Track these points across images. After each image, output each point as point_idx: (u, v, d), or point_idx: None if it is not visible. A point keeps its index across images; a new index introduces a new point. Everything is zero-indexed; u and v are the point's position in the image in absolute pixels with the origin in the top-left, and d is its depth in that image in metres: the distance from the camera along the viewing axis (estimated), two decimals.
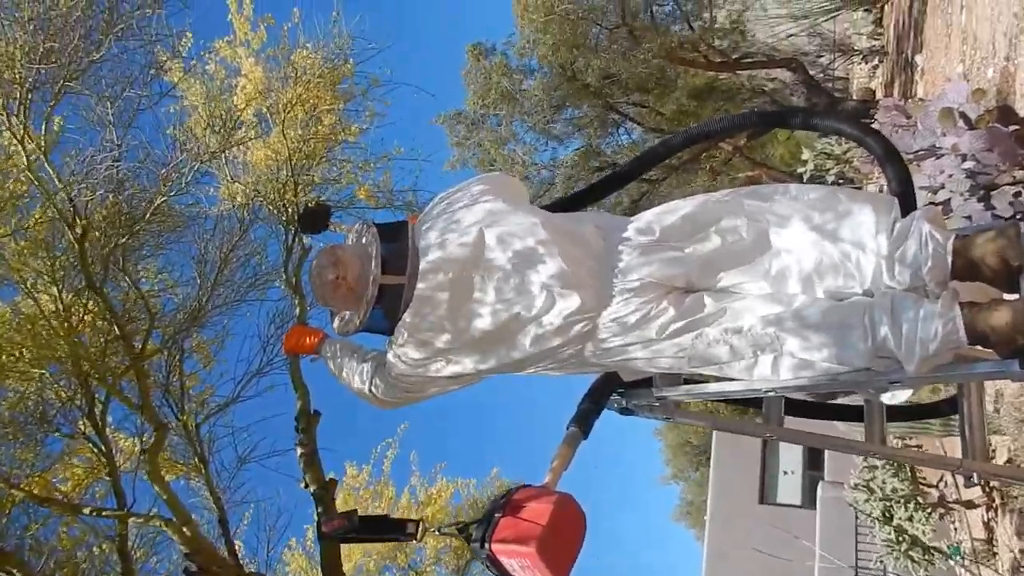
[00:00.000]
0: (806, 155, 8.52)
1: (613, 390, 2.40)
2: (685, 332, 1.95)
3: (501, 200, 2.21)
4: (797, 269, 1.93)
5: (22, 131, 5.26)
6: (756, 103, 13.70)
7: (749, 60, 13.42)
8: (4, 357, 5.48)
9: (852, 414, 2.38)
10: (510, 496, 1.93)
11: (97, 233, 5.72)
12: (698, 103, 13.25)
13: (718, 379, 2.09)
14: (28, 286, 5.75)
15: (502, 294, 2.04)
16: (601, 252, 2.10)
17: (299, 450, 4.40)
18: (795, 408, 2.40)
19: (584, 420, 2.27)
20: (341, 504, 5.75)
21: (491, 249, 2.08)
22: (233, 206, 6.37)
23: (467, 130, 13.67)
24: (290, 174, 5.77)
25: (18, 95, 5.30)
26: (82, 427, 6.14)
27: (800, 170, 8.74)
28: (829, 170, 8.37)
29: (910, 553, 5.86)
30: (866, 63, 13.60)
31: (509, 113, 13.14)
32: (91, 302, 5.87)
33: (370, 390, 2.38)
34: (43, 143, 5.37)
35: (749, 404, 2.63)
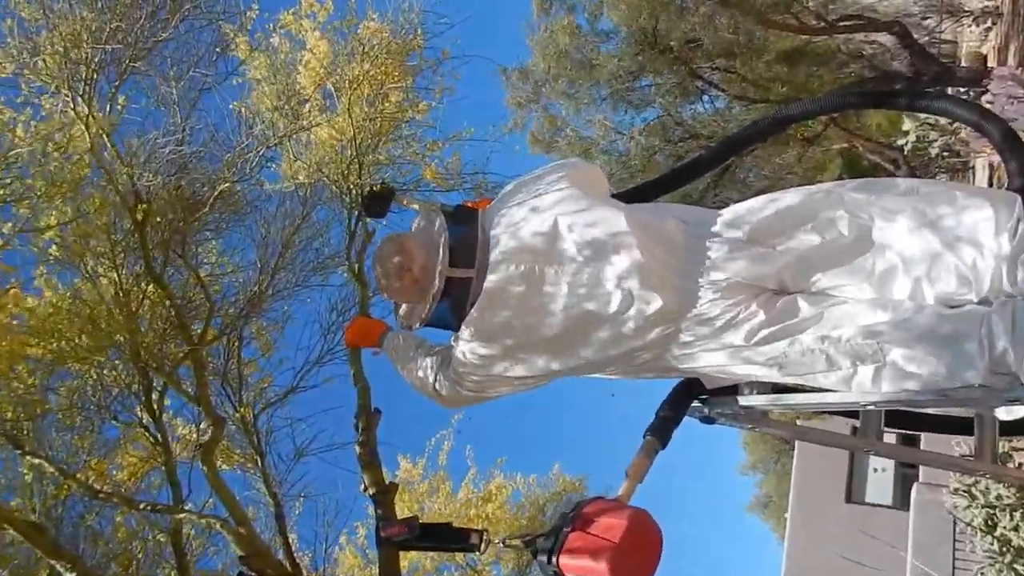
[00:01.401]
0: (907, 125, 8.23)
1: (694, 397, 2.36)
2: (776, 339, 1.89)
3: (579, 189, 2.18)
4: (904, 271, 1.85)
5: (87, 112, 5.39)
6: (853, 69, 13.21)
7: (846, 23, 12.93)
8: (63, 343, 5.64)
9: (954, 426, 2.31)
10: (580, 509, 1.90)
11: (158, 218, 5.86)
12: (789, 68, 12.81)
13: (810, 388, 2.03)
14: (88, 271, 5.92)
15: (576, 290, 2.01)
16: (685, 248, 2.06)
17: (358, 450, 4.43)
18: (890, 417, 2.33)
19: (663, 430, 2.24)
20: (397, 500, 5.80)
21: (565, 240, 2.06)
22: (295, 186, 6.46)
23: (533, 91, 13.45)
24: (354, 154, 5.80)
25: (83, 75, 5.44)
26: (139, 415, 6.33)
27: (900, 141, 8.44)
28: (933, 142, 8.06)
29: (1015, 566, 5.64)
30: (977, 25, 13.05)
31: (579, 76, 12.92)
32: (150, 288, 6.03)
33: (434, 388, 2.39)
34: (107, 125, 5.50)
35: (842, 412, 2.57)
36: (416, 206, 2.68)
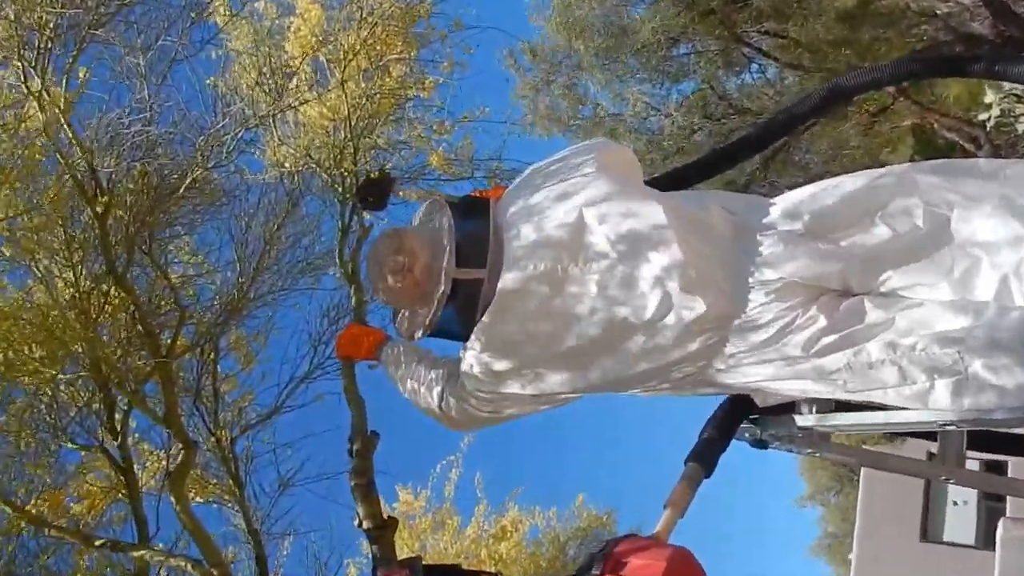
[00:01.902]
0: (989, 97, 8.16)
1: (743, 417, 2.36)
2: (840, 348, 1.89)
3: (610, 173, 2.19)
4: (989, 269, 1.84)
5: (40, 86, 5.40)
6: (924, 31, 13.08)
7: None
8: (12, 353, 5.66)
9: None
10: (610, 549, 1.90)
11: (122, 211, 5.88)
12: (850, 31, 12.68)
13: (878, 406, 2.02)
14: (41, 270, 5.95)
15: (605, 293, 2.02)
16: (732, 243, 2.06)
17: (352, 480, 4.42)
18: (973, 439, 2.32)
19: (707, 455, 2.24)
20: (397, 538, 5.79)
21: (594, 233, 2.06)
22: (281, 175, 6.46)
23: (548, 70, 13.36)
24: (349, 136, 5.80)
25: (37, 43, 5.44)
26: (100, 437, 6.34)
27: (982, 116, 8.36)
28: (1020, 116, 7.98)
29: None
30: None
31: (605, 45, 12.84)
32: (112, 291, 6.04)
33: (439, 407, 2.40)
34: (63, 102, 5.50)
35: (916, 434, 2.57)
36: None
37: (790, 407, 2.26)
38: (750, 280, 1.98)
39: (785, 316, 1.93)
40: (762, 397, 2.20)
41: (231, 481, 6.88)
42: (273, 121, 5.95)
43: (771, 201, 2.12)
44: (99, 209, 5.64)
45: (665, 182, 2.46)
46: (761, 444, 2.44)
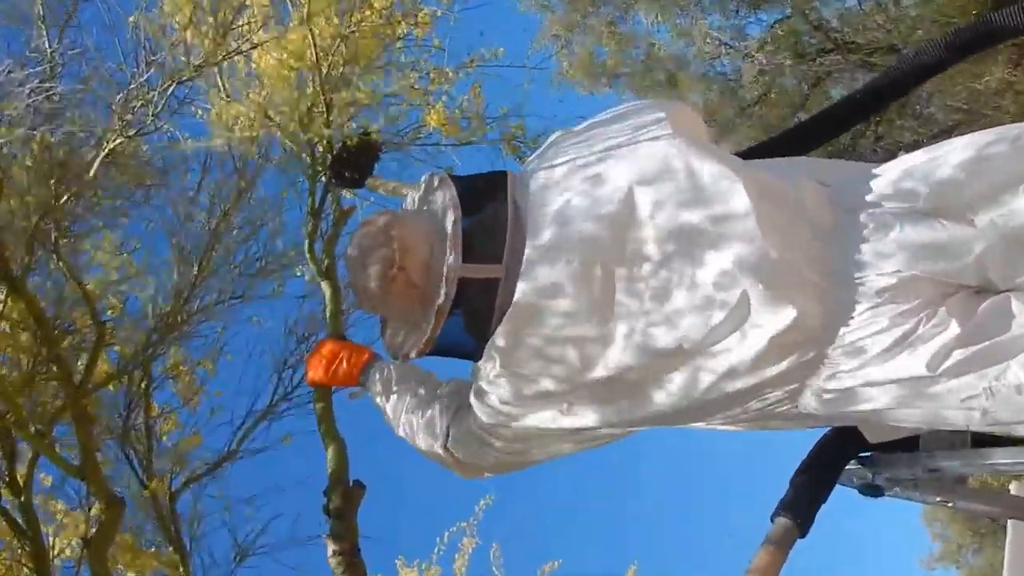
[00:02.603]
0: None
1: (850, 455, 2.36)
2: (978, 366, 1.87)
3: (681, 139, 2.17)
4: None
5: None
6: None
7: None
8: None
9: None
10: None
11: (17, 198, 5.88)
12: None
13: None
14: None
15: (660, 300, 2.01)
16: (829, 226, 2.05)
17: (331, 547, 4.41)
18: None
19: (801, 507, 2.24)
20: None
21: (646, 222, 2.05)
22: (229, 143, 6.45)
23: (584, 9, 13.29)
24: (320, 89, 5.80)
25: None
26: None
27: None
28: None
29: None
30: None
31: None
32: (8, 302, 6.05)
33: (445, 448, 2.41)
34: None
35: None
36: (400, 188, 2.67)
37: (912, 442, 2.25)
38: (855, 276, 1.96)
39: (904, 323, 1.91)
40: (874, 430, 2.20)
41: (172, 549, 6.93)
42: (220, 72, 5.92)
43: (877, 169, 2.11)
44: None
45: (768, 149, 2.46)
46: (874, 491, 2.44)
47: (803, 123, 2.71)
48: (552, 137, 2.36)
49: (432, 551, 10.56)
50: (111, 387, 6.73)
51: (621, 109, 2.32)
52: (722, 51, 13.12)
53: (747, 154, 2.52)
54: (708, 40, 12.98)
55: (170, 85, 5.69)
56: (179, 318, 6.75)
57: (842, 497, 2.41)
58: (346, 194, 5.72)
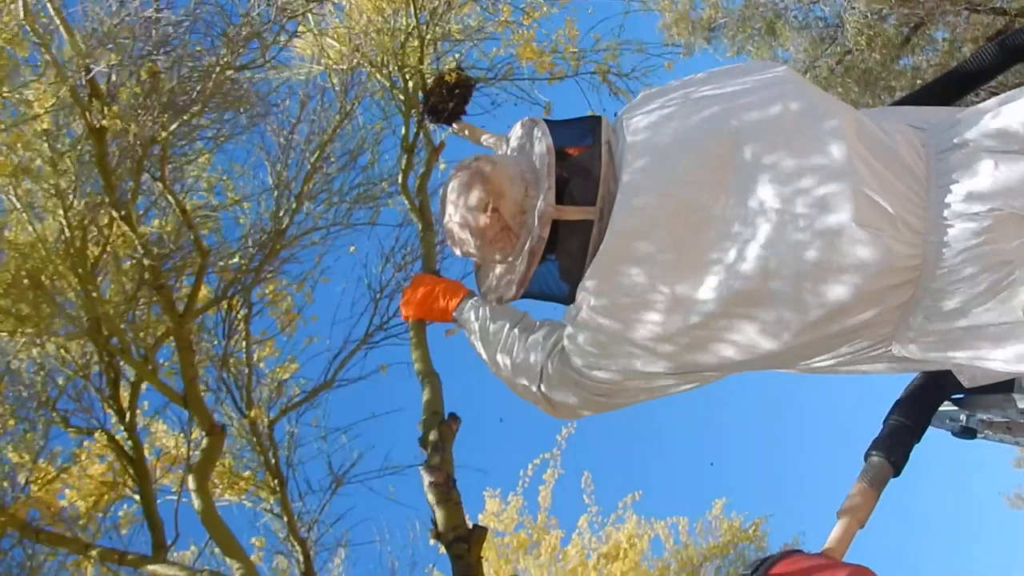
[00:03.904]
0: None
1: (943, 397, 2.38)
2: None
3: (774, 82, 2.18)
4: None
5: None
6: None
7: None
8: None
9: None
10: (767, 569, 1.95)
11: (125, 123, 5.92)
12: None
13: None
14: (21, 201, 6.05)
15: (755, 239, 2.03)
16: (923, 169, 2.06)
17: (426, 478, 4.47)
18: None
19: (895, 445, 2.27)
20: (483, 557, 5.82)
21: (744, 161, 2.07)
22: (327, 76, 6.48)
23: None
24: (414, 24, 5.80)
25: None
26: (101, 417, 6.60)
27: None
28: None
29: None
30: None
31: None
32: (114, 228, 6.17)
33: (539, 389, 2.46)
34: None
35: None
36: (487, 138, 2.68)
37: (1007, 385, 2.26)
38: (947, 216, 1.97)
39: (1000, 266, 1.92)
40: (969, 374, 2.20)
41: (269, 475, 7.06)
42: (315, 4, 5.93)
43: (965, 113, 2.11)
44: (97, 121, 5.68)
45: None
46: (968, 433, 2.46)
47: (934, 82, 2.68)
48: (644, 91, 2.37)
49: (517, 482, 10.58)
50: (212, 312, 6.83)
51: (718, 69, 2.34)
52: None
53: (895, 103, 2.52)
54: None
55: (283, 20, 5.71)
56: (277, 244, 6.79)
57: (930, 433, 2.42)
58: (438, 129, 5.71)
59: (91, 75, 5.63)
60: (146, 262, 6.08)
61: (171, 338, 6.29)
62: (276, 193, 6.91)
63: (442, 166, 5.83)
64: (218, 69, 5.82)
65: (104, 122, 5.54)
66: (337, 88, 6.66)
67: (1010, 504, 30.03)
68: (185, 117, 6.03)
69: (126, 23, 5.68)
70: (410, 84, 5.84)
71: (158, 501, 6.46)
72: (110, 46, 5.56)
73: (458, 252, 2.44)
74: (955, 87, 2.54)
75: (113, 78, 5.81)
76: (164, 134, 5.88)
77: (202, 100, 5.90)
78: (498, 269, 2.40)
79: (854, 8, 12.45)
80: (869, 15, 12.32)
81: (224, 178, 7.11)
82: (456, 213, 2.31)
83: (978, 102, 2.17)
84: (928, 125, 2.15)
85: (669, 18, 13.18)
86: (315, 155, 6.83)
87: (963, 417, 2.45)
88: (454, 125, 3.55)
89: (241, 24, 5.81)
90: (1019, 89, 2.07)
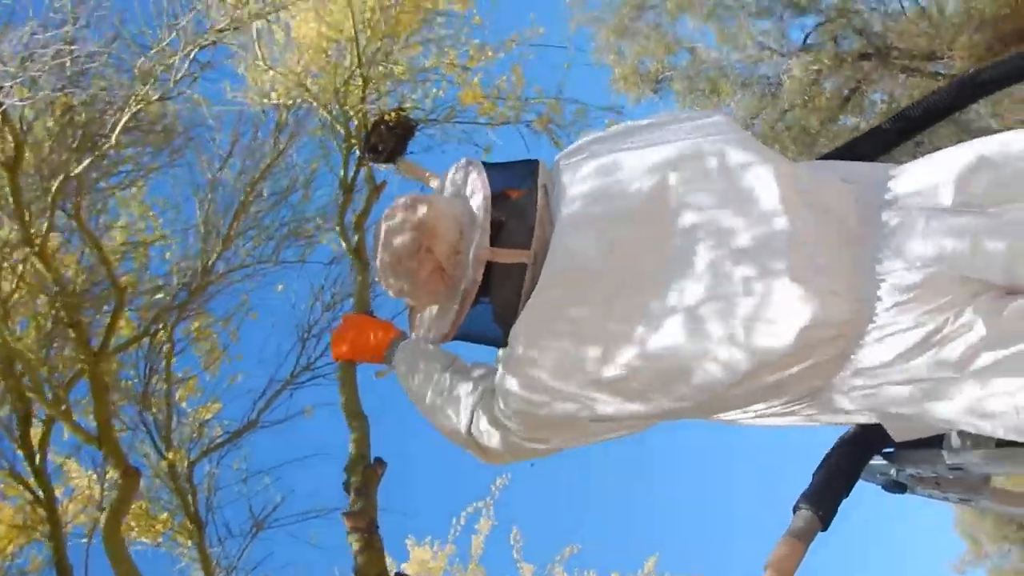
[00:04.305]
0: None
1: (874, 451, 2.38)
2: (1008, 370, 1.88)
3: (712, 134, 2.19)
4: None
5: None
6: None
7: None
8: None
9: None
10: None
11: (40, 156, 5.84)
12: None
13: None
14: None
15: (685, 288, 2.03)
16: (854, 223, 2.07)
17: (349, 524, 4.43)
18: None
19: (823, 499, 2.26)
20: None
21: (676, 210, 2.07)
22: (263, 108, 6.44)
23: (631, 14, 13.34)
24: (357, 63, 5.80)
25: None
26: (11, 457, 6.46)
27: None
28: None
29: None
30: None
31: None
32: (28, 265, 6.08)
33: (468, 432, 2.43)
34: None
35: None
36: (432, 180, 2.67)
37: (937, 440, 2.27)
38: (881, 273, 1.98)
39: (930, 321, 1.93)
40: (899, 428, 2.21)
41: (187, 519, 6.94)
42: (258, 37, 5.91)
43: (897, 169, 2.13)
44: (8, 155, 5.64)
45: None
46: (898, 487, 2.46)
47: (856, 138, 2.71)
48: (584, 136, 2.38)
49: (448, 531, 10.54)
50: (133, 348, 6.70)
51: (657, 116, 2.35)
52: (764, 55, 13.09)
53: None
54: (751, 44, 12.96)
55: (192, 50, 5.66)
56: (203, 281, 6.72)
57: (875, 499, 2.42)
58: (379, 169, 5.71)
59: (2, 108, 5.59)
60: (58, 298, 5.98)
61: (86, 378, 6.15)
62: (203, 230, 6.84)
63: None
64: (132, 101, 5.73)
65: (11, 155, 5.48)
66: (272, 125, 6.65)
67: (956, 570, 30.23)
68: (98, 153, 5.97)
69: (37, 58, 5.62)
70: (352, 122, 5.81)
71: (69, 544, 6.35)
72: (21, 79, 5.52)
73: (391, 292, 2.42)
74: (878, 144, 2.57)
75: (26, 112, 5.76)
76: (77, 168, 5.79)
77: (116, 134, 5.79)
78: (431, 311, 2.39)
79: (793, 69, 12.68)
80: (806, 78, 12.55)
81: (150, 214, 7.02)
82: (389, 253, 2.30)
83: (904, 160, 2.19)
84: (861, 180, 2.16)
85: (618, 73, 13.35)
86: (245, 193, 6.78)
87: (893, 471, 2.45)
88: (398, 164, 3.54)
89: (152, 54, 5.76)
90: (947, 149, 2.09)
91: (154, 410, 6.88)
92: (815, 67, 12.73)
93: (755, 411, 2.19)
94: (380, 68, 5.83)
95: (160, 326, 6.73)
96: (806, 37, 13.25)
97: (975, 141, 2.07)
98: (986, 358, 1.88)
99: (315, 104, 5.93)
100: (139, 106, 5.86)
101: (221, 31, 5.79)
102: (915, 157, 2.17)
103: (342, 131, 5.85)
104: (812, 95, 12.49)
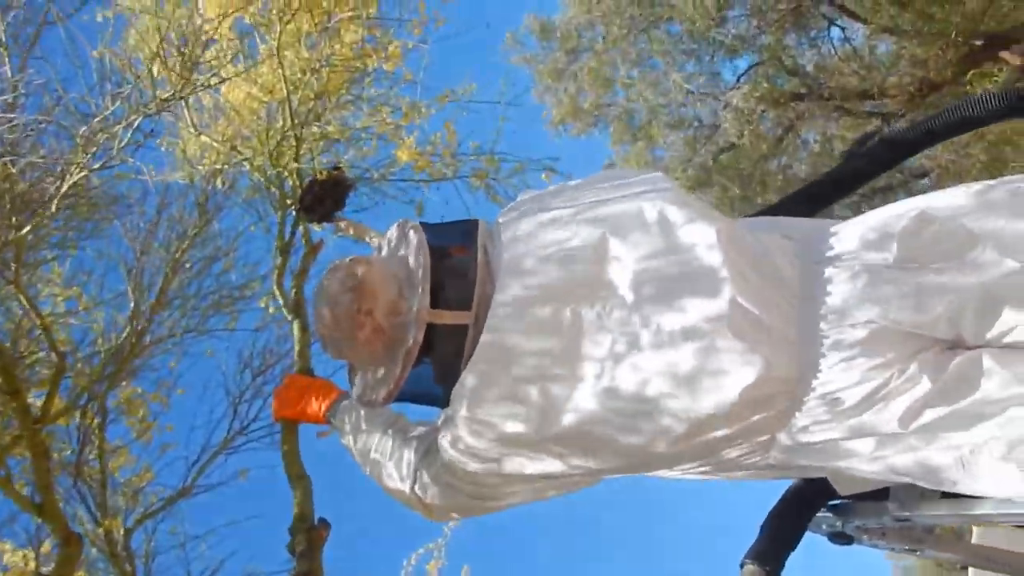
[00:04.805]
0: None
1: (820, 504, 2.39)
2: (952, 426, 1.89)
3: (648, 193, 2.20)
4: None
5: None
6: None
7: None
8: None
9: None
10: None
11: None
12: None
13: None
14: None
15: (629, 347, 2.03)
16: (795, 280, 2.08)
17: None
18: None
19: (770, 554, 2.28)
20: None
21: (617, 270, 2.08)
22: (192, 178, 6.42)
23: (565, 57, 13.51)
24: (290, 124, 5.79)
25: None
26: None
27: None
28: None
29: None
30: None
31: (640, 17, 12.88)
32: None
33: (413, 491, 2.43)
34: None
35: None
36: (371, 238, 2.67)
37: (883, 493, 2.28)
38: (825, 329, 1.99)
39: (875, 377, 1.95)
40: (844, 481, 2.22)
41: None
42: (186, 104, 5.90)
43: (842, 224, 2.15)
44: None
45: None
46: (844, 539, 2.48)
47: (807, 187, 2.74)
48: (523, 194, 2.39)
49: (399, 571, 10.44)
50: (66, 420, 6.61)
51: (596, 175, 2.36)
52: (695, 99, 13.20)
53: (754, 215, 2.56)
54: (681, 89, 13.07)
55: (136, 119, 5.63)
56: (133, 351, 6.66)
57: (808, 540, 2.43)
58: (316, 228, 5.69)
59: None
60: None
61: (23, 448, 6.05)
62: (132, 299, 6.78)
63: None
64: (73, 170, 5.67)
65: None
66: (201, 189, 6.61)
67: None
68: (36, 220, 5.90)
69: None
70: (287, 183, 5.79)
71: None
72: None
73: (331, 354, 2.42)
74: (807, 201, 2.60)
75: None
76: (16, 234, 5.72)
77: (57, 201, 5.74)
78: (372, 371, 2.38)
79: (734, 101, 12.75)
80: (747, 112, 12.64)
81: (74, 285, 6.95)
82: (328, 315, 2.30)
83: (841, 216, 2.22)
84: (801, 235, 2.18)
85: (555, 114, 13.43)
86: (170, 263, 6.73)
87: (839, 523, 2.46)
88: (338, 223, 3.53)
89: (93, 123, 5.65)
90: (890, 204, 2.12)
91: (88, 479, 6.77)
92: (756, 99, 12.80)
93: (699, 466, 2.20)
94: (314, 128, 5.82)
95: (91, 396, 6.62)
96: (738, 78, 13.38)
97: (918, 197, 2.10)
98: (931, 414, 1.89)
99: (248, 167, 5.90)
100: (81, 173, 5.76)
101: (165, 100, 5.79)
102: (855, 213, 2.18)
103: (276, 192, 5.82)
104: (747, 135, 12.59)
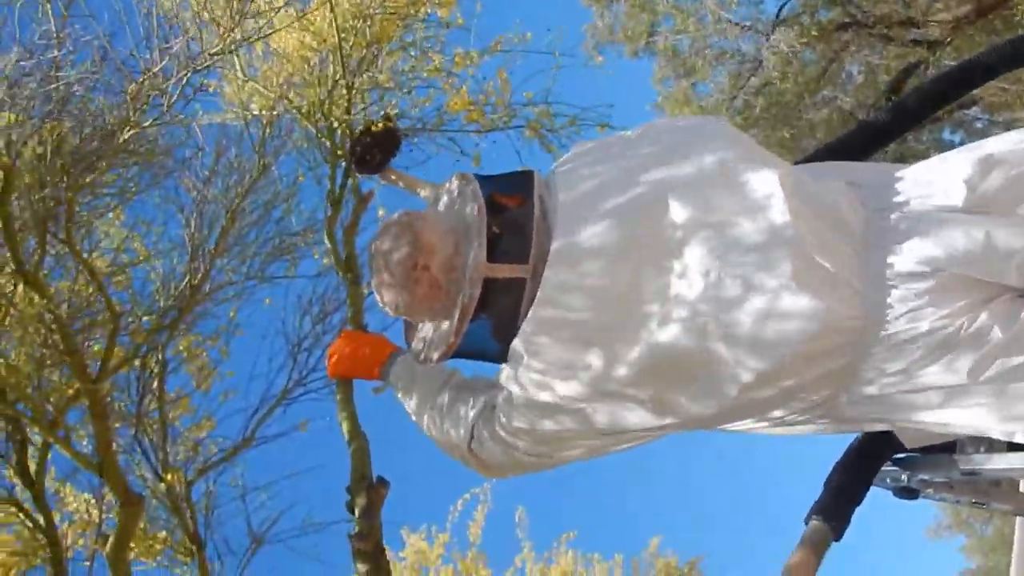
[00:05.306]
0: None
1: (885, 458, 2.36)
2: (1022, 378, 1.86)
3: (714, 142, 2.16)
4: None
5: None
6: None
7: None
8: None
9: None
10: None
11: (28, 182, 5.83)
12: None
13: None
14: None
15: (691, 300, 2.00)
16: (862, 228, 2.04)
17: (354, 544, 4.34)
18: None
19: (836, 510, 2.25)
20: None
21: (679, 222, 2.05)
22: (246, 123, 6.41)
23: None
24: (340, 73, 5.76)
25: None
26: (8, 484, 6.46)
27: None
28: None
29: None
30: None
31: None
32: (19, 290, 6.03)
33: (469, 448, 2.41)
34: None
35: None
36: (422, 190, 2.64)
37: (950, 446, 2.25)
38: (889, 276, 1.95)
39: (944, 327, 1.91)
40: (911, 435, 2.19)
41: (186, 538, 6.91)
42: (236, 53, 5.87)
43: (904, 171, 2.10)
44: None
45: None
46: (909, 493, 2.45)
47: (864, 125, 2.68)
48: (578, 145, 2.36)
49: (446, 518, 10.51)
50: (126, 369, 6.65)
51: (652, 124, 2.32)
52: (738, 30, 13.06)
53: (807, 159, 2.51)
54: (720, 19, 12.94)
55: (185, 75, 5.62)
56: (191, 300, 6.67)
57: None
58: (366, 179, 5.66)
59: None
60: (55, 327, 5.93)
61: (82, 403, 6.11)
62: (190, 248, 6.79)
63: (381, 212, 5.74)
64: (123, 127, 5.67)
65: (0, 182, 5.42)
66: (256, 139, 6.60)
67: (931, 535, 30.44)
68: (90, 178, 5.92)
69: (24, 82, 5.57)
70: (337, 133, 5.76)
71: (70, 570, 6.32)
72: (9, 107, 5.46)
73: (388, 310, 2.40)
74: (863, 142, 2.55)
75: (13, 137, 5.72)
76: (70, 194, 5.75)
77: (106, 158, 5.76)
78: (428, 327, 2.37)
79: (773, 45, 12.62)
80: (788, 51, 12.49)
81: (134, 234, 6.98)
82: (385, 270, 2.28)
83: (886, 158, 2.18)
84: (866, 183, 2.13)
85: (602, 35, 13.36)
86: (228, 211, 6.73)
87: (904, 477, 2.43)
88: (390, 175, 3.51)
89: (142, 80, 5.65)
90: (956, 149, 2.07)
91: (149, 431, 6.82)
92: (802, 40, 12.67)
93: (764, 421, 2.16)
94: (365, 77, 5.77)
95: (151, 347, 6.66)
96: (779, 10, 13.24)
97: (985, 140, 2.04)
98: (1000, 364, 1.85)
99: (299, 116, 5.88)
100: (132, 131, 5.77)
101: (215, 55, 5.76)
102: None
103: (328, 143, 5.82)
104: (791, 69, 12.46)
